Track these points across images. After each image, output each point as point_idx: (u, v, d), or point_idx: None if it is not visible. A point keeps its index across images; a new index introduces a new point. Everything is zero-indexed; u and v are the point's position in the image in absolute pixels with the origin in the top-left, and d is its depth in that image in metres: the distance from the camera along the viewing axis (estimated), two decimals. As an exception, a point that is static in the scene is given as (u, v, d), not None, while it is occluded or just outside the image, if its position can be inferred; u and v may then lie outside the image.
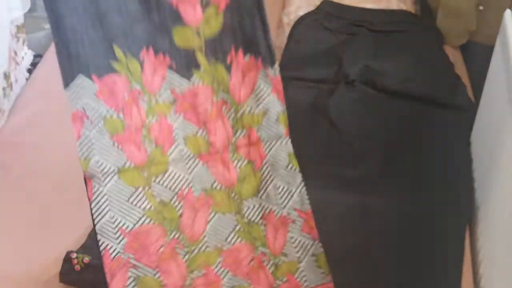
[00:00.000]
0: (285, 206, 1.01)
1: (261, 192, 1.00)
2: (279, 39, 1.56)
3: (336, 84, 1.42)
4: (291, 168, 1.02)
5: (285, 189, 1.01)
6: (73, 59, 0.95)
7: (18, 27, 1.42)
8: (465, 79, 1.47)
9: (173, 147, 0.99)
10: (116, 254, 0.95)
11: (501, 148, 1.16)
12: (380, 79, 1.42)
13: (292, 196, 1.01)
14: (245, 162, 1.01)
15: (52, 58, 1.52)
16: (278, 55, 1.50)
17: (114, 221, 0.96)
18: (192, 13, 0.98)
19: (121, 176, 0.97)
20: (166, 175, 0.99)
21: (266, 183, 1.00)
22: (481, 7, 1.50)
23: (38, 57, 1.55)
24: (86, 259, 1.13)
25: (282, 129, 1.04)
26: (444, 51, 1.51)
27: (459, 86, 1.43)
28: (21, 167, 1.31)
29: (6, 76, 1.37)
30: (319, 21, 1.53)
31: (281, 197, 1.00)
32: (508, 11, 1.19)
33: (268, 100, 1.03)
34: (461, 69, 1.51)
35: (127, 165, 0.98)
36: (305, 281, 0.96)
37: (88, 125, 0.96)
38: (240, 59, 1.01)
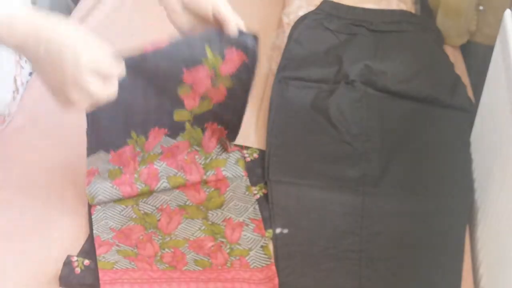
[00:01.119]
0: (242, 215, 1.23)
1: (223, 207, 1.25)
2: (279, 39, 1.56)
3: (336, 84, 1.42)
4: (248, 194, 1.27)
5: (242, 206, 1.25)
6: (99, 139, 1.20)
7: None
8: (465, 79, 1.47)
9: (159, 184, 1.27)
10: (105, 239, 1.19)
11: (501, 148, 1.16)
12: (380, 79, 1.42)
13: (247, 210, 1.25)
14: (213, 189, 1.28)
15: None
16: (278, 55, 1.51)
17: (108, 224, 1.22)
18: (193, 102, 1.24)
19: (116, 202, 1.25)
20: (150, 197, 1.27)
21: (228, 203, 1.26)
22: (481, 7, 1.50)
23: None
24: (87, 261, 1.13)
25: (241, 170, 1.30)
26: (444, 51, 1.51)
27: (459, 86, 1.42)
28: (21, 167, 1.31)
29: (15, 80, 1.37)
30: (319, 21, 1.53)
31: (239, 211, 1.24)
32: (508, 11, 1.19)
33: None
34: (461, 69, 1.51)
35: (122, 198, 1.26)
36: (253, 262, 1.16)
37: (97, 177, 1.24)
38: (214, 127, 1.29)
